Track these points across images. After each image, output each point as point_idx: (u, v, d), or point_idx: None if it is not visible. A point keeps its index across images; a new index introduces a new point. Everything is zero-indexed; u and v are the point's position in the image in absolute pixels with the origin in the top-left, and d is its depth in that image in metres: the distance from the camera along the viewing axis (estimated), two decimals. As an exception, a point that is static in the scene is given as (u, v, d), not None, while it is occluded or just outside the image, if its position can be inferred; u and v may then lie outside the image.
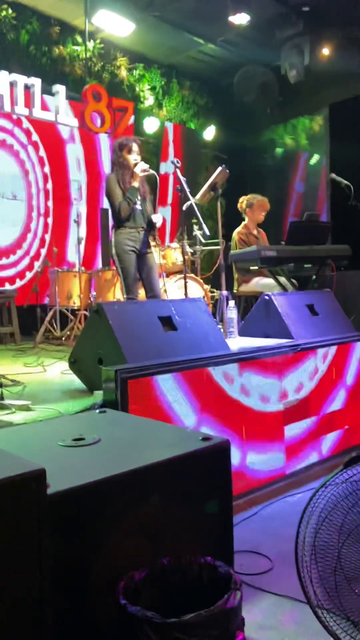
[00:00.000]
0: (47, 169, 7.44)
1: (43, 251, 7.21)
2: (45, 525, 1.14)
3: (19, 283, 6.99)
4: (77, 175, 7.74)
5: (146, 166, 4.30)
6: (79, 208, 7.28)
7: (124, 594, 1.25)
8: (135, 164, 4.26)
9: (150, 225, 4.36)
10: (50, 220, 7.49)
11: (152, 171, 4.31)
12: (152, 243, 4.63)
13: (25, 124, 7.11)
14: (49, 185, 7.48)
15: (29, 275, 7.14)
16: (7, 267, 6.98)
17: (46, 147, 7.40)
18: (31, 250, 7.26)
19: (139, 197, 4.31)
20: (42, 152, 7.36)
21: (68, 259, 7.49)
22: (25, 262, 7.18)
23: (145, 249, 4.36)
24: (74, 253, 7.37)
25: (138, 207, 4.31)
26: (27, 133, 7.17)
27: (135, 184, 4.25)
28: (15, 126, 6.99)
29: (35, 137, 7.27)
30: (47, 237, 7.34)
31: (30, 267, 7.19)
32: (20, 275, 7.11)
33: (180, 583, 1.38)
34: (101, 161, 8.02)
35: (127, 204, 4.21)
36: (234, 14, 6.80)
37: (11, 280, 6.97)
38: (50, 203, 7.50)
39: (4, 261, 6.95)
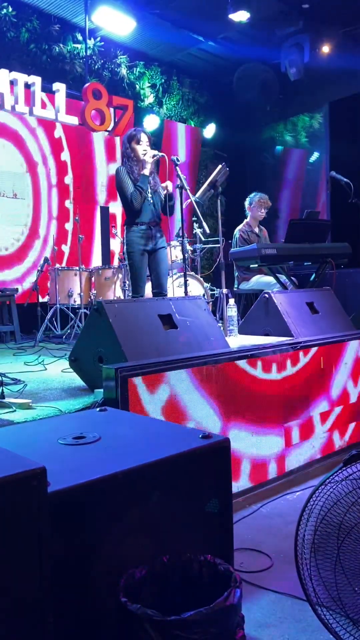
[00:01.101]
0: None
1: (37, 244, 6.85)
2: (46, 523, 1.14)
3: (19, 281, 6.90)
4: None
5: (154, 152, 4.29)
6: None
7: (124, 592, 1.25)
8: (144, 154, 4.26)
9: (166, 201, 4.29)
10: (39, 214, 7.20)
11: (160, 154, 4.29)
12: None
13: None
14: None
15: (23, 262, 6.87)
16: (5, 248, 6.73)
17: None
18: (23, 237, 6.94)
19: (150, 190, 4.29)
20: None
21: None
22: (19, 245, 6.88)
23: (158, 246, 4.35)
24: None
25: (149, 200, 4.28)
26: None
27: (146, 172, 4.24)
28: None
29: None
30: (45, 233, 7.10)
31: (23, 249, 6.90)
32: (15, 255, 6.83)
33: (181, 581, 1.38)
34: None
35: (140, 194, 4.19)
36: (234, 11, 6.79)
37: (8, 260, 6.74)
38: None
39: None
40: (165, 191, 4.27)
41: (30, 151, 7.01)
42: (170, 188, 4.28)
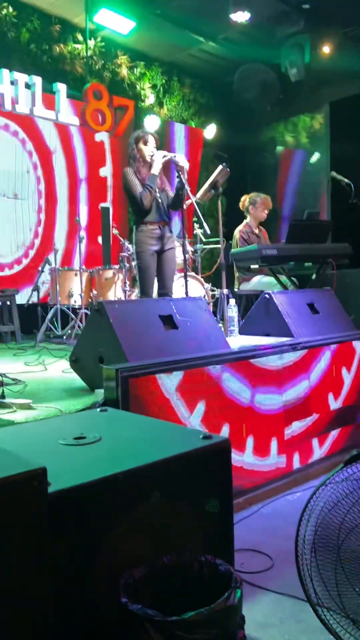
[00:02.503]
0: (50, 167, 7.23)
1: (46, 252, 6.99)
2: (46, 523, 1.14)
3: (19, 282, 6.87)
4: (82, 173, 7.55)
5: (165, 152, 4.27)
6: (81, 207, 7.18)
7: (124, 592, 1.25)
8: (152, 156, 4.24)
9: (178, 192, 4.23)
10: (52, 219, 7.25)
11: (171, 155, 4.27)
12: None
13: (28, 120, 6.90)
14: (52, 184, 7.23)
15: (33, 281, 6.88)
16: (9, 267, 6.75)
17: (50, 145, 7.23)
18: (33, 251, 6.99)
19: (158, 189, 4.28)
20: (44, 149, 7.16)
21: (74, 259, 7.30)
22: (27, 262, 6.92)
23: (167, 246, 4.33)
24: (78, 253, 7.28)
25: (158, 199, 4.26)
26: (30, 129, 7.00)
27: (155, 172, 4.21)
28: (17, 122, 6.85)
29: (37, 133, 7.06)
30: (53, 238, 7.14)
31: (32, 267, 6.85)
32: (22, 274, 6.85)
33: (181, 581, 1.38)
34: (105, 159, 7.93)
35: (149, 193, 4.17)
36: (234, 11, 6.78)
37: (12, 279, 6.73)
38: (53, 201, 7.27)
39: (5, 262, 6.72)
40: (179, 175, 4.18)
41: (27, 159, 6.92)
42: (183, 163, 4.18)
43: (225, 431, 2.63)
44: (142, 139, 4.29)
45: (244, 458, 2.71)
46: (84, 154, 7.24)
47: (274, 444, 2.89)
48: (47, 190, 6.98)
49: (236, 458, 2.58)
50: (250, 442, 2.76)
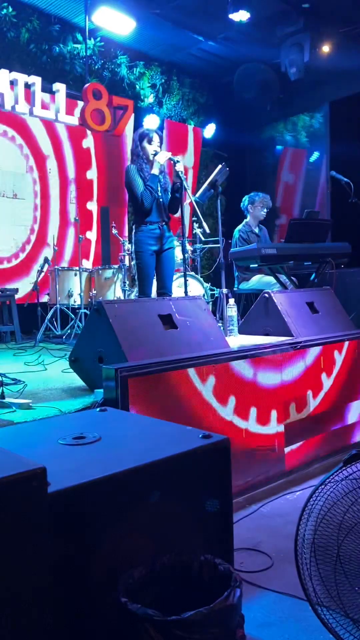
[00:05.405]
0: (49, 167, 7.25)
1: (45, 251, 6.95)
2: (46, 523, 1.14)
3: (19, 282, 6.87)
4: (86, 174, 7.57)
5: (168, 154, 4.28)
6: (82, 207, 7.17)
7: (124, 592, 1.25)
8: (155, 154, 4.25)
9: (178, 190, 4.25)
10: (52, 219, 7.25)
11: (172, 157, 4.26)
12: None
13: (28, 119, 6.91)
14: (51, 183, 7.25)
15: (29, 274, 6.84)
16: (8, 267, 6.78)
17: (51, 144, 7.24)
18: (32, 250, 7.01)
19: (160, 188, 4.28)
20: (45, 149, 7.18)
21: (73, 258, 7.34)
22: (27, 262, 6.93)
23: (166, 246, 4.34)
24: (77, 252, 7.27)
25: (159, 199, 4.26)
26: (29, 130, 7.03)
27: (155, 171, 4.23)
28: (16, 122, 6.86)
29: (38, 132, 7.08)
30: (50, 236, 7.09)
31: (31, 267, 6.91)
32: (21, 274, 6.86)
33: (181, 581, 1.38)
34: (108, 159, 7.90)
35: (150, 193, 4.18)
36: (234, 11, 6.78)
37: (12, 279, 6.75)
38: (53, 201, 7.30)
39: (5, 262, 6.74)
40: (178, 175, 4.19)
41: (27, 159, 6.93)
42: (179, 167, 4.19)
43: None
44: (146, 137, 4.30)
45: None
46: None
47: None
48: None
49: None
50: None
